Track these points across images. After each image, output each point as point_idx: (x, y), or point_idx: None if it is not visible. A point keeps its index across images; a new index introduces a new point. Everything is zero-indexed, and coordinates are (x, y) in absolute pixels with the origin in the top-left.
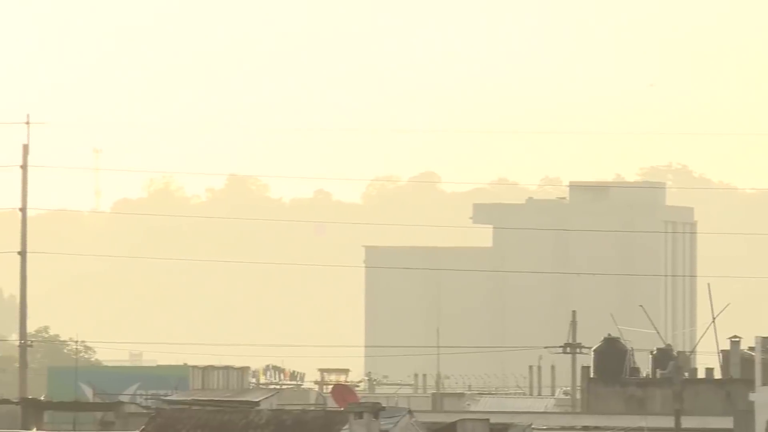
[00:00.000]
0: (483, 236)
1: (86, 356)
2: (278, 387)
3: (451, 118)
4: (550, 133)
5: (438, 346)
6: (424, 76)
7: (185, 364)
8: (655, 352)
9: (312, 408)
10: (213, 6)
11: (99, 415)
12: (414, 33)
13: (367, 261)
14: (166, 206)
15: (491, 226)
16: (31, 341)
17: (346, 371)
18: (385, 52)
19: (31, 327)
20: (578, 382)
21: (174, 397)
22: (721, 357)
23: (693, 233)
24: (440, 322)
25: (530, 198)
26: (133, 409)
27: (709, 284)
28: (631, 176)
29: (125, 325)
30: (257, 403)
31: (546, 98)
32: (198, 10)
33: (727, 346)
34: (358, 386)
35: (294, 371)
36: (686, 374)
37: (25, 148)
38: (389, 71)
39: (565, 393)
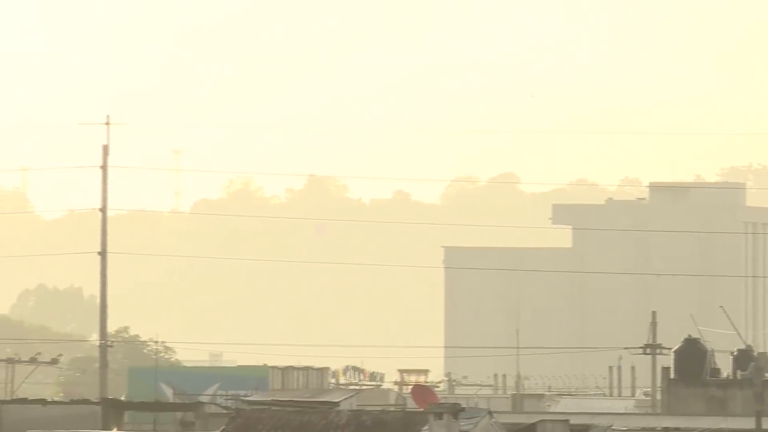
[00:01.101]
0: (562, 237)
1: (166, 357)
2: (358, 387)
3: (530, 119)
4: (629, 134)
5: (518, 347)
6: (503, 77)
7: (265, 365)
8: (735, 353)
9: (392, 409)
10: (292, 5)
11: (179, 415)
12: (494, 33)
13: (446, 261)
14: (246, 207)
15: (571, 226)
16: (112, 342)
17: (425, 372)
18: (465, 53)
19: (112, 327)
20: (658, 383)
21: (254, 398)
22: None
23: None
24: (520, 322)
25: (610, 199)
26: (213, 409)
27: None
28: (711, 177)
29: (205, 326)
30: (337, 404)
31: (626, 98)
32: (277, 9)
33: None
34: (437, 387)
35: (373, 372)
36: (767, 375)
37: (105, 148)
38: (468, 72)
39: (646, 394)
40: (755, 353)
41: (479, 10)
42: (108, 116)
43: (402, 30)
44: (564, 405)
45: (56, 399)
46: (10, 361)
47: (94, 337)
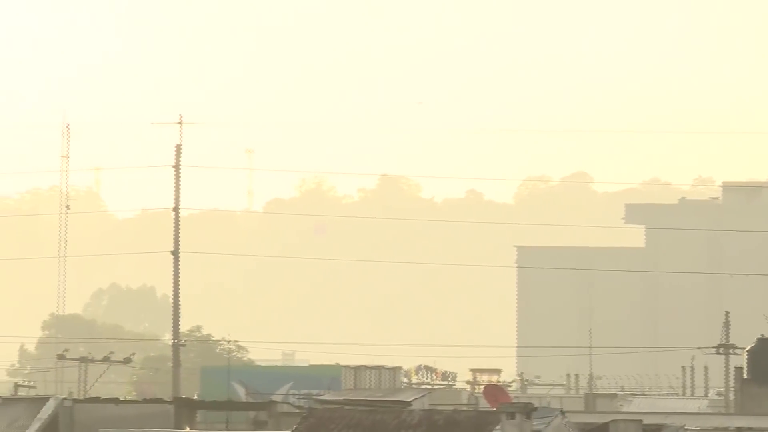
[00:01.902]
0: (635, 236)
1: (239, 356)
2: (430, 387)
3: (603, 118)
4: (702, 133)
5: (590, 347)
6: (576, 76)
7: (337, 364)
8: None
9: (464, 408)
10: (365, 5)
11: (252, 414)
12: (568, 33)
13: (518, 261)
14: (318, 206)
15: (643, 226)
16: (184, 341)
17: (498, 371)
18: (538, 52)
19: (184, 326)
20: (731, 383)
21: (326, 397)
22: None
23: None
24: (592, 322)
25: (683, 198)
26: (285, 408)
27: None
28: None
29: (278, 325)
30: (409, 403)
31: (698, 98)
32: (349, 8)
33: None
34: (510, 386)
35: (446, 371)
36: None
37: (178, 147)
38: (542, 71)
39: (719, 394)
40: None
41: (552, 10)
42: (181, 116)
43: (475, 30)
44: (637, 405)
45: (129, 398)
46: (83, 360)
47: (167, 337)
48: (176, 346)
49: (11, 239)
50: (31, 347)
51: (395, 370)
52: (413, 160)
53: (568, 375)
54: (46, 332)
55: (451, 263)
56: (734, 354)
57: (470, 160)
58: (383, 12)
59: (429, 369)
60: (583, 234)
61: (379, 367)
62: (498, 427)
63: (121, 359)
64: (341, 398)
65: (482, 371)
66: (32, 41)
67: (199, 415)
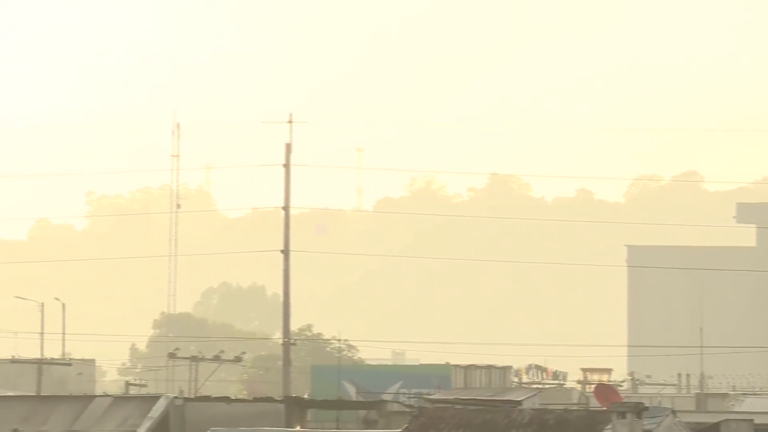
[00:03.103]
0: (746, 236)
1: (349, 355)
2: (540, 386)
3: (715, 117)
4: None
5: (701, 346)
6: (688, 74)
7: (448, 363)
8: None
9: (574, 407)
10: (474, 3)
11: (362, 413)
12: (674, 31)
13: (629, 260)
14: (428, 205)
15: (755, 225)
16: (295, 339)
17: (608, 371)
18: (650, 50)
19: (295, 325)
20: None
21: (436, 396)
22: None
23: None
24: (704, 321)
25: None
26: (395, 407)
27: None
28: None
29: (388, 324)
30: (519, 402)
31: None
32: (459, 7)
33: None
34: (620, 386)
35: (556, 370)
36: None
37: (288, 146)
38: (653, 69)
39: None
40: None
41: (665, 8)
42: (290, 114)
43: (585, 28)
44: (748, 404)
45: (240, 397)
46: (193, 359)
47: (277, 335)
48: (287, 345)
49: (123, 238)
50: (142, 346)
51: (505, 370)
52: (523, 159)
53: (679, 374)
54: (157, 331)
55: (562, 262)
56: None
57: (581, 158)
58: (493, 10)
59: (539, 368)
60: (694, 233)
61: (489, 367)
62: (609, 426)
63: (232, 358)
64: (451, 397)
65: (593, 370)
66: (143, 42)
67: (310, 413)
